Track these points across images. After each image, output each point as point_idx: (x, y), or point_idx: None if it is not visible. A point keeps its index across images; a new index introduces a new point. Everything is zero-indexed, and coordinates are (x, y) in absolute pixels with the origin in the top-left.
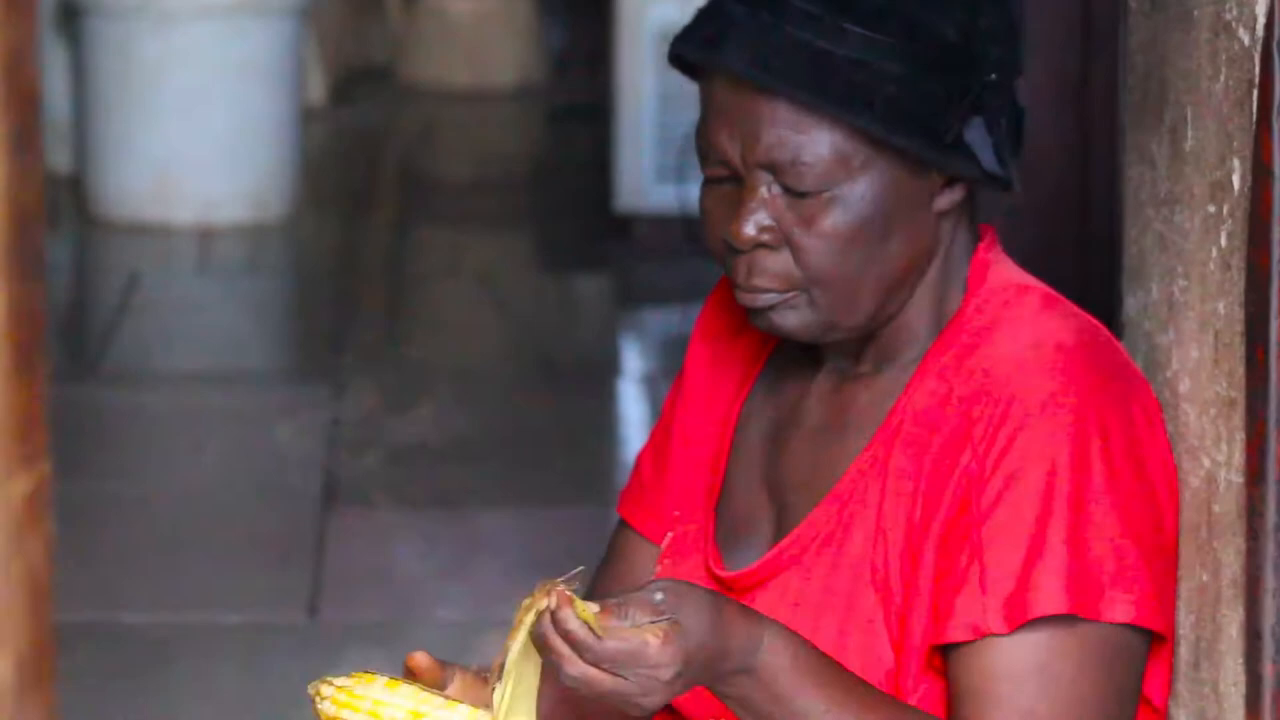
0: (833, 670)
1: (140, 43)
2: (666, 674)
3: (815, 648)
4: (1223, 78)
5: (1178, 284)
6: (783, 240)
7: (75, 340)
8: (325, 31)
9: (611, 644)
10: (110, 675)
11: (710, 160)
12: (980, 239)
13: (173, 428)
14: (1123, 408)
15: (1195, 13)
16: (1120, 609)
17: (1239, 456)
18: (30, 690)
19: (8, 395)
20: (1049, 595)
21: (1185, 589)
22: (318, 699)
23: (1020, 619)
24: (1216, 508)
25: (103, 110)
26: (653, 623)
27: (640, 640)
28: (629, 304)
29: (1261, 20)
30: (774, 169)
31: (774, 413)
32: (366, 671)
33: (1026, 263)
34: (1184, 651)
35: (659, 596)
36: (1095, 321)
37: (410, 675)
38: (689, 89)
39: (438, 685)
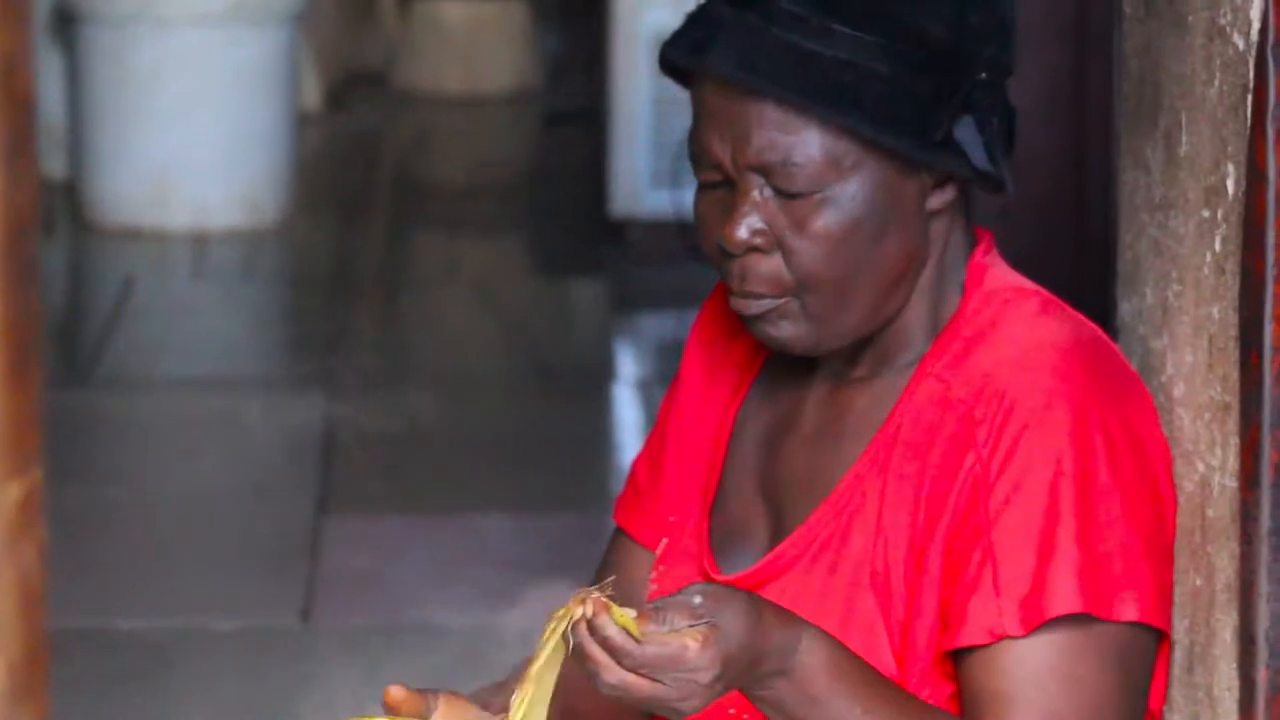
0: (867, 672)
1: (135, 49)
2: (706, 677)
3: (849, 650)
4: (1217, 83)
5: (1172, 289)
6: (775, 244)
7: (70, 346)
8: (320, 37)
9: (651, 649)
10: (104, 681)
11: (703, 165)
12: (977, 243)
13: (167, 433)
14: (1122, 408)
15: (1190, 18)
16: (1129, 608)
17: (1233, 461)
18: (24, 697)
19: (1, 401)
20: (1063, 596)
21: (1179, 593)
22: None
23: (1036, 620)
24: (1210, 512)
25: (98, 116)
26: (691, 626)
27: (679, 644)
28: (624, 309)
29: (1256, 25)
30: (765, 171)
31: (770, 417)
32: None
33: (1022, 265)
34: (1178, 656)
35: (697, 600)
36: (1093, 325)
37: (391, 710)
38: (683, 94)
39: (420, 715)
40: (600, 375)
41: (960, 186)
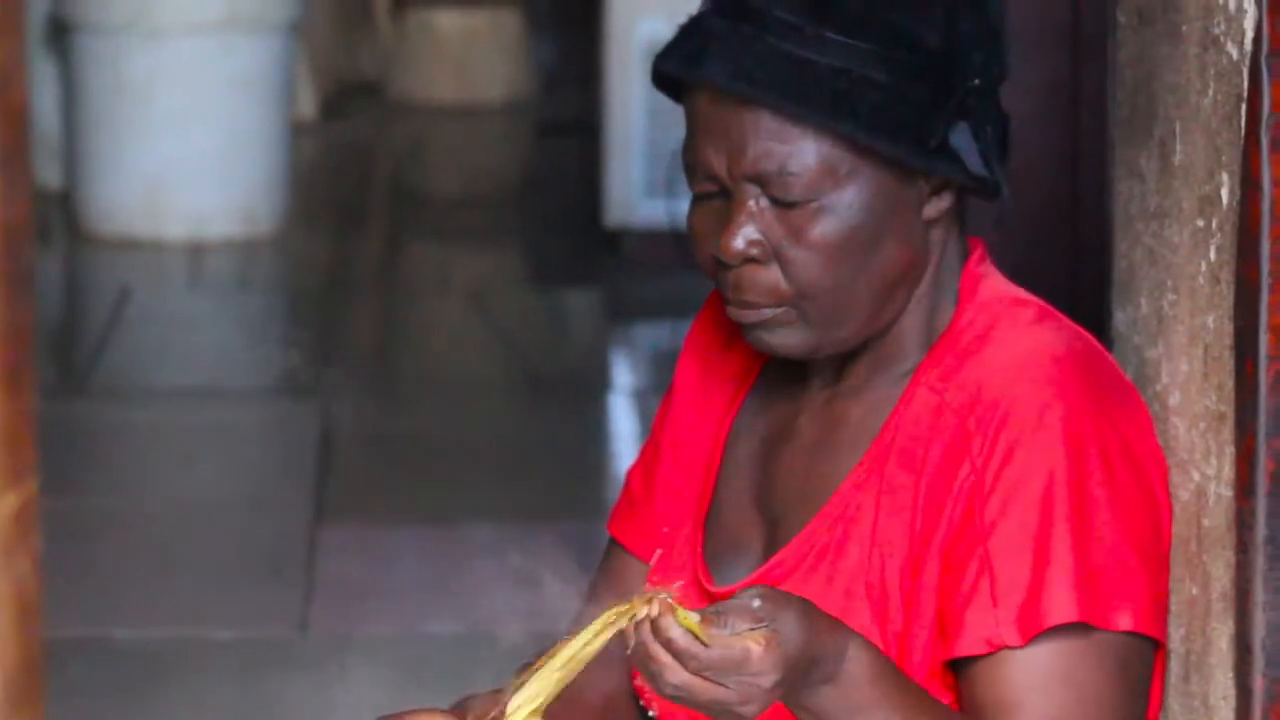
0: (905, 681)
1: (130, 58)
2: (768, 681)
3: (891, 661)
4: (1211, 92)
5: (1167, 298)
6: (771, 255)
7: (65, 356)
8: (315, 47)
9: (715, 652)
10: (101, 692)
11: (698, 176)
12: (970, 252)
13: (163, 443)
14: (1117, 417)
15: (1183, 27)
16: (1125, 618)
17: (1228, 470)
18: (19, 708)
19: None
20: (1060, 605)
21: (1175, 602)
22: None
23: (1034, 630)
24: (1206, 521)
25: (93, 126)
26: (752, 630)
27: (743, 647)
28: (618, 319)
29: (1250, 35)
30: (761, 181)
31: (765, 428)
32: None
33: (1016, 272)
34: (1174, 664)
35: (756, 604)
36: (1088, 334)
37: None
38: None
39: None
40: (595, 385)
41: (956, 195)
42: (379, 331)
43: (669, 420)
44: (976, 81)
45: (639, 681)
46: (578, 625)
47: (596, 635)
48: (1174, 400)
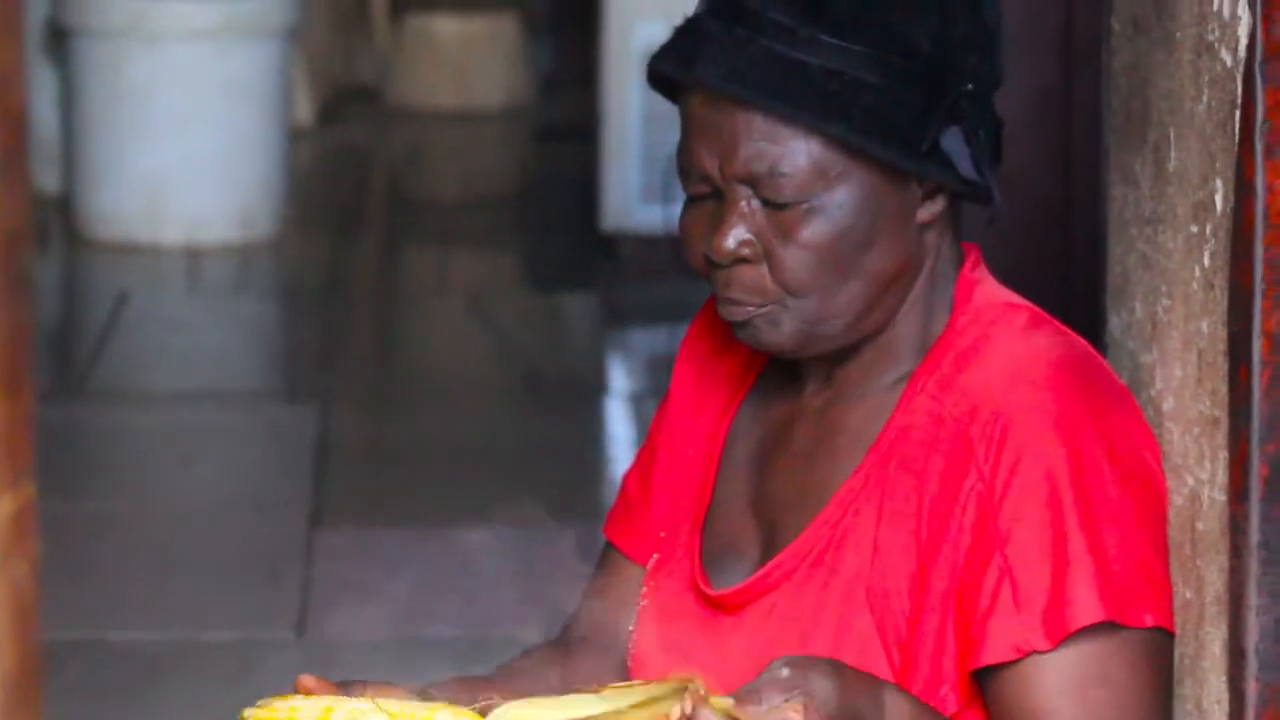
0: None
1: (128, 63)
2: None
3: (926, 704)
4: (1205, 98)
5: (1161, 303)
6: (762, 255)
7: (63, 359)
8: (313, 52)
9: None
10: (99, 693)
11: (691, 178)
12: (964, 257)
13: (161, 446)
14: (1117, 418)
15: (1178, 34)
16: (1147, 614)
17: (1222, 475)
18: (17, 710)
19: None
20: (1085, 606)
21: None
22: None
23: (1062, 633)
24: (1200, 526)
25: (91, 130)
26: (787, 700)
27: (783, 718)
28: (615, 323)
29: (1244, 41)
30: (752, 182)
31: (761, 432)
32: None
33: (1009, 275)
34: None
35: (785, 673)
36: (1081, 339)
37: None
38: (675, 108)
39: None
40: (591, 389)
41: (950, 200)
42: (376, 335)
43: (665, 424)
44: (969, 86)
45: None
46: (594, 686)
47: None
48: (1168, 405)
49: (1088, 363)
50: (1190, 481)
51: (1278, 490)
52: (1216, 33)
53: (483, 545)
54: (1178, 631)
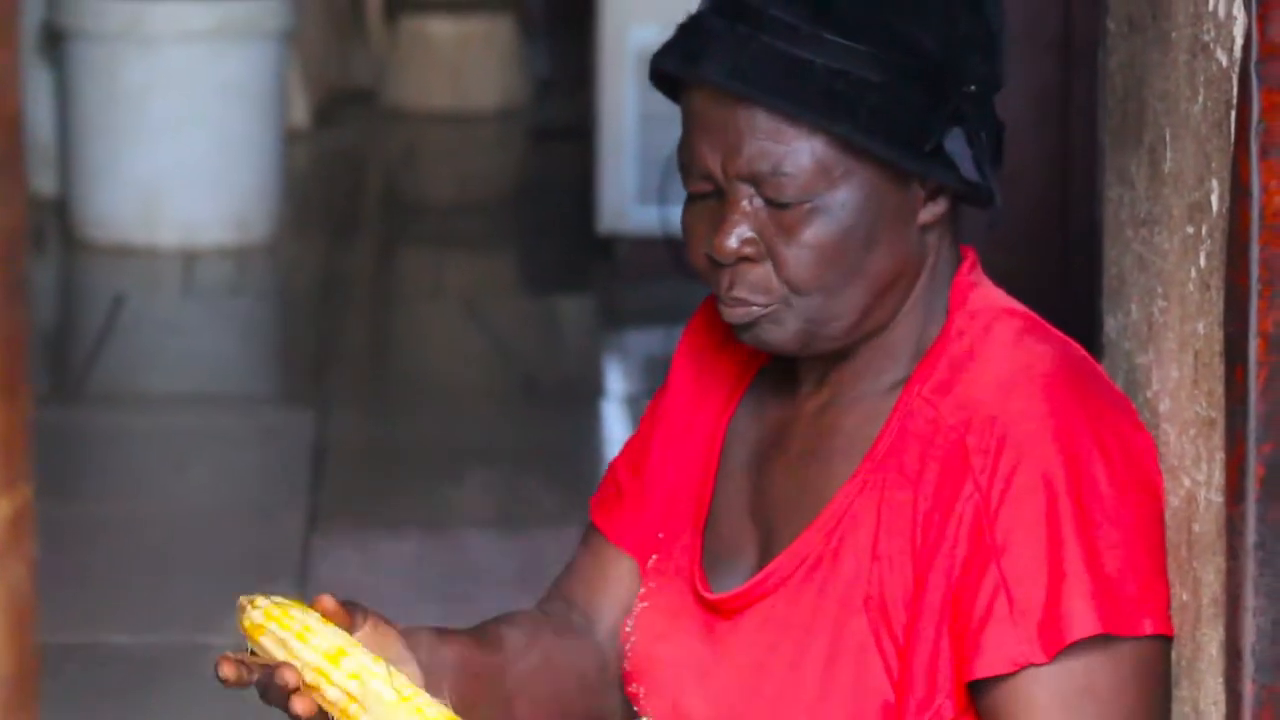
0: None
1: (124, 66)
2: None
3: None
4: (1201, 99)
5: (1157, 304)
6: (765, 253)
7: (59, 363)
8: (308, 54)
9: None
10: (96, 697)
11: (693, 176)
12: (962, 260)
13: (157, 449)
14: (1113, 425)
15: (1173, 34)
16: (1145, 623)
17: (1219, 476)
18: (14, 713)
19: None
20: (1081, 619)
21: None
22: (250, 607)
23: (1058, 646)
24: (1196, 527)
25: (87, 133)
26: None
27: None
28: (612, 325)
29: (1239, 42)
30: (755, 180)
31: (758, 436)
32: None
33: (1006, 278)
34: None
35: None
36: (1076, 344)
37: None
38: (671, 110)
39: (347, 629)
40: (588, 391)
41: (951, 202)
42: (373, 338)
43: (662, 419)
44: (973, 87)
45: (632, 688)
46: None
47: None
48: (1164, 406)
49: (1081, 368)
50: (1187, 483)
51: (1274, 491)
52: (1212, 33)
53: (480, 548)
54: (1175, 634)
